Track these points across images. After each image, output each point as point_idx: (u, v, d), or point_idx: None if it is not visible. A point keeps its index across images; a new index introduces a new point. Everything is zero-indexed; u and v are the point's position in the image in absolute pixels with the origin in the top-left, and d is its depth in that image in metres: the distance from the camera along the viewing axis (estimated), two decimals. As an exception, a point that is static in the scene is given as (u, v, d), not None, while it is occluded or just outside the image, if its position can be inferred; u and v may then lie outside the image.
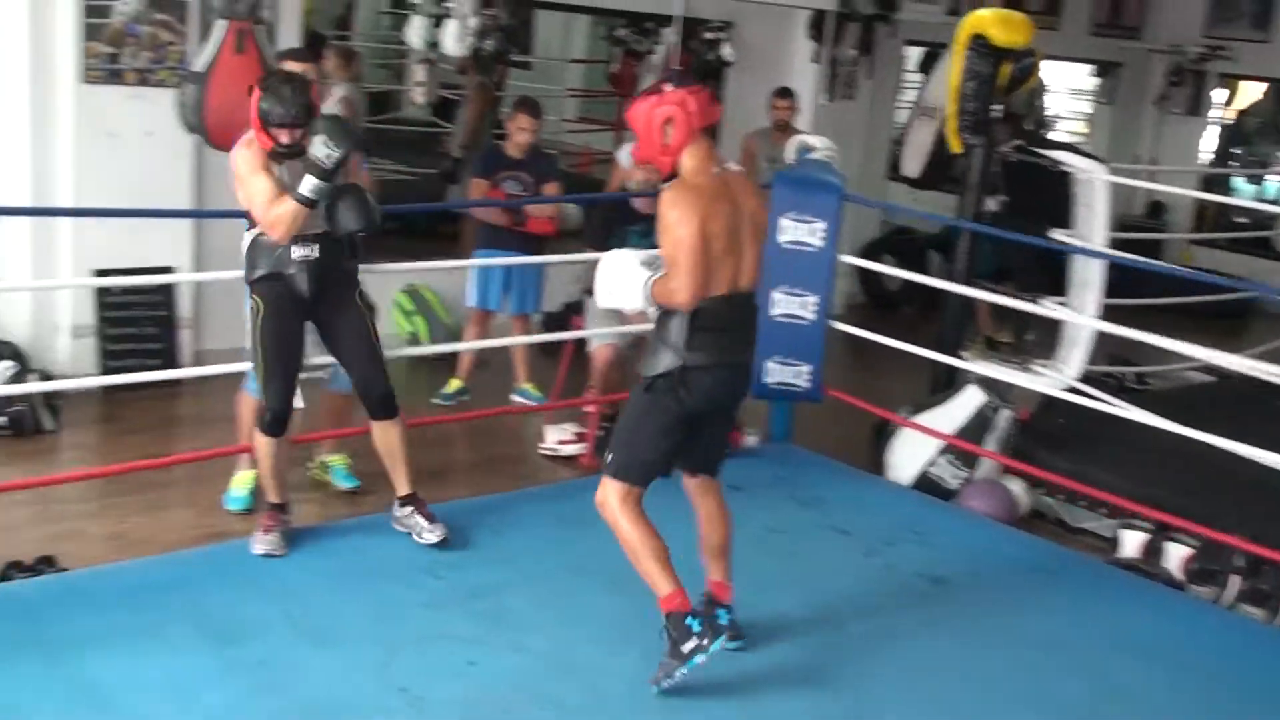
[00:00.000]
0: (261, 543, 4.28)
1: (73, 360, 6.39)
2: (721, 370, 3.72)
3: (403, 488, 4.48)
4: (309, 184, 4.04)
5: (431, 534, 4.42)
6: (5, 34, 6.10)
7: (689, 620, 3.56)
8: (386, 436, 4.45)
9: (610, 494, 3.71)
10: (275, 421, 4.25)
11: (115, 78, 6.27)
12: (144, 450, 5.57)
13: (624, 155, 6.95)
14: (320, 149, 4.02)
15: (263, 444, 4.31)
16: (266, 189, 4.12)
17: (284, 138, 4.09)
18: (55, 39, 6.12)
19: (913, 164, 7.17)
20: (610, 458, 3.74)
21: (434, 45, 7.24)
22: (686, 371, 3.64)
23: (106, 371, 6.36)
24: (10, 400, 5.67)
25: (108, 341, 6.45)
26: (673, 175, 3.64)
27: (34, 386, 5.70)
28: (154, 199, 6.31)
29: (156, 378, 5.98)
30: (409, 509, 4.48)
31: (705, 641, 3.54)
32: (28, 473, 5.35)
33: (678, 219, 3.54)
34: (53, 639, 3.65)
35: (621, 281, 3.71)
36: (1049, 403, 6.08)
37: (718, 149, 3.80)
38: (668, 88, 3.62)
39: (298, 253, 4.20)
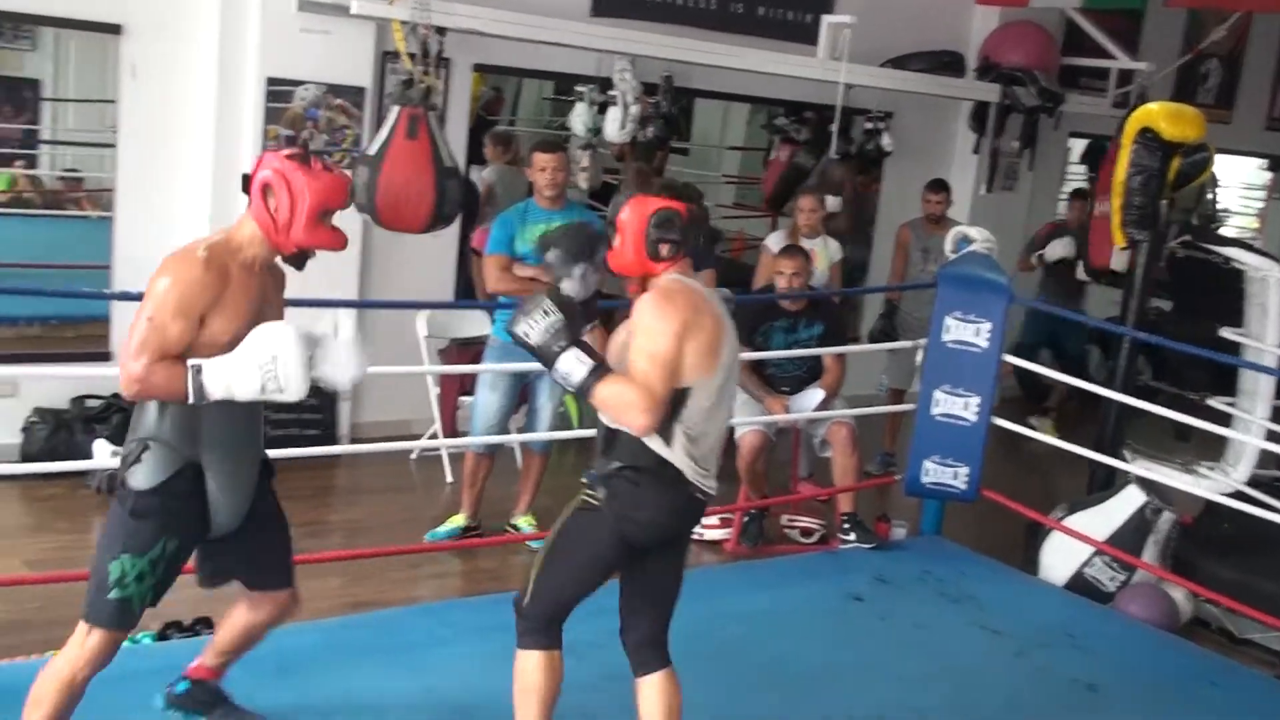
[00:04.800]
0: None
1: (238, 428, 6.60)
2: None
3: None
4: None
5: None
6: (193, 119, 6.42)
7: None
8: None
9: None
10: None
11: (291, 159, 6.53)
12: (298, 518, 5.72)
13: (773, 242, 6.99)
14: None
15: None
16: None
17: None
18: (240, 122, 6.42)
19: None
20: None
21: (596, 131, 7.39)
22: None
23: (268, 440, 6.55)
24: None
25: (270, 410, 6.63)
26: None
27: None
28: (322, 275, 6.50)
29: (319, 453, 6.16)
30: None
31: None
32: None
33: None
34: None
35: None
36: (1214, 507, 5.84)
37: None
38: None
39: None
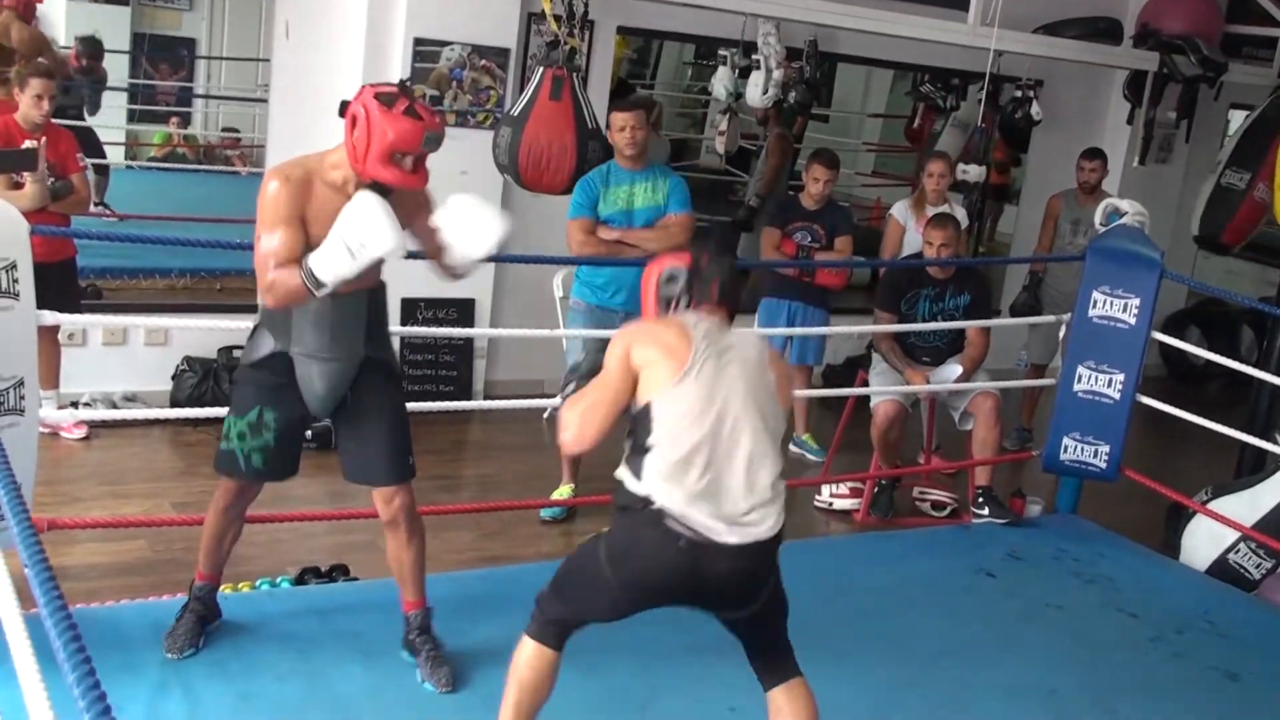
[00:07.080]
0: None
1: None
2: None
3: None
4: None
5: None
6: (343, 77, 6.54)
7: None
8: None
9: None
10: None
11: (435, 118, 6.63)
12: (432, 471, 5.84)
13: (899, 210, 6.86)
14: None
15: None
16: None
17: None
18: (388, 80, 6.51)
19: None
20: None
21: (738, 96, 7.34)
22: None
23: (407, 395, 6.71)
24: (320, 416, 6.05)
25: (409, 366, 6.81)
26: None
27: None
28: (462, 234, 6.62)
29: (454, 407, 6.29)
30: None
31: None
32: (327, 484, 5.68)
33: None
34: (338, 642, 3.87)
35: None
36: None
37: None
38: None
39: None
